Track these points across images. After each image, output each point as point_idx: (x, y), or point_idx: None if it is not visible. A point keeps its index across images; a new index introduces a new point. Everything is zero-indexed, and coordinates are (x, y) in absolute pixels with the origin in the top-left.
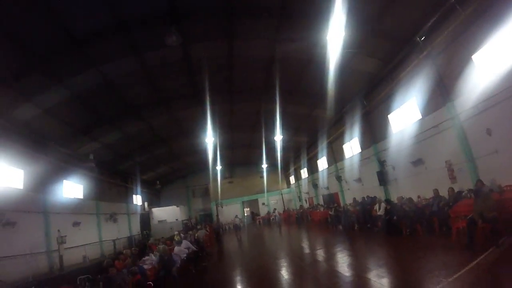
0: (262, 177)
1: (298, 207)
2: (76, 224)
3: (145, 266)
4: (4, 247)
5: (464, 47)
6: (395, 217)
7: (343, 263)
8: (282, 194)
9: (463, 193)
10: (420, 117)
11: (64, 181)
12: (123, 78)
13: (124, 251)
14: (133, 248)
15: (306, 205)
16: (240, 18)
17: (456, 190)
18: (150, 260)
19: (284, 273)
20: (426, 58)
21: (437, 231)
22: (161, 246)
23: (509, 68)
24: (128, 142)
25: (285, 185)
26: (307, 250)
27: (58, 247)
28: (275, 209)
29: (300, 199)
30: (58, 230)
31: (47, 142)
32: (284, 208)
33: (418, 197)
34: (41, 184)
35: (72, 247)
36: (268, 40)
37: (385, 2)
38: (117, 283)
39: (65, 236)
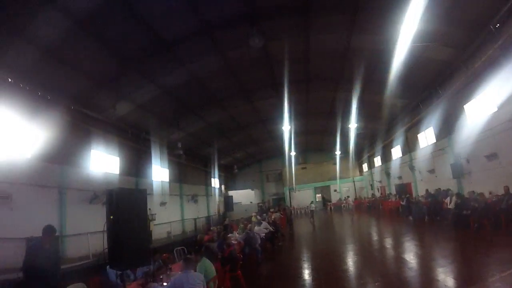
0: (335, 163)
1: (370, 196)
2: (162, 204)
3: (232, 241)
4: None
5: None
6: (464, 212)
7: (409, 252)
8: (354, 182)
9: None
10: (496, 109)
11: (153, 166)
12: (208, 73)
13: (212, 228)
14: (218, 227)
15: (378, 194)
16: (315, 15)
17: None
18: (234, 237)
19: (352, 256)
20: (503, 46)
21: (503, 228)
22: (248, 225)
23: None
24: (210, 130)
25: (358, 173)
26: (375, 238)
27: (148, 224)
28: (348, 196)
29: (372, 187)
30: (149, 209)
31: (139, 133)
32: (356, 196)
33: (490, 193)
34: (134, 169)
35: (159, 224)
36: (343, 34)
37: None
38: (213, 252)
39: (155, 214)
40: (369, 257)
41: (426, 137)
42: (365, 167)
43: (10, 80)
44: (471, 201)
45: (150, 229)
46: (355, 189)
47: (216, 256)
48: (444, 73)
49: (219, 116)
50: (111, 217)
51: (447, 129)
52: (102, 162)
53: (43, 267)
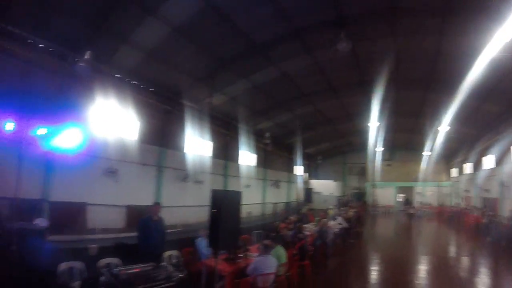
0: (422, 165)
1: (454, 204)
2: (247, 186)
3: (306, 233)
4: (193, 198)
5: None
6: None
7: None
8: (439, 186)
9: None
10: None
11: (241, 151)
12: (297, 71)
13: (290, 217)
14: (295, 216)
15: (462, 204)
16: (402, 18)
17: None
18: (309, 229)
19: (417, 269)
20: None
21: None
22: (322, 220)
23: None
24: (297, 121)
25: (445, 177)
26: (435, 247)
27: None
28: (429, 204)
29: (458, 196)
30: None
31: (230, 121)
32: (440, 202)
33: None
34: (224, 153)
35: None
36: (433, 36)
37: None
38: (287, 241)
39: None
40: (434, 273)
41: None
42: (453, 172)
43: (118, 75)
44: None
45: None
46: (439, 195)
47: (289, 245)
48: None
49: (306, 110)
50: (213, 210)
51: None
52: (197, 145)
53: (153, 236)
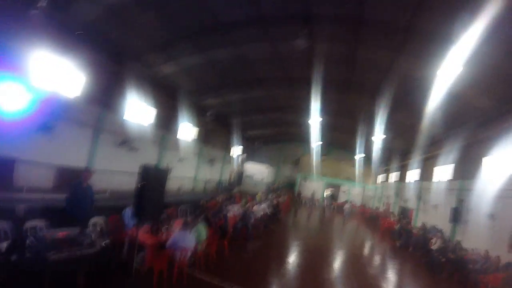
0: (353, 166)
1: (375, 207)
2: (180, 160)
3: (229, 214)
4: (125, 166)
5: None
6: (443, 259)
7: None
8: (364, 189)
9: None
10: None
11: (183, 123)
12: (254, 56)
13: (217, 198)
14: (222, 195)
15: (382, 209)
16: (366, 28)
17: (507, 261)
18: (233, 211)
19: (327, 254)
20: None
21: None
22: (246, 203)
23: None
24: (243, 104)
25: (372, 182)
26: (351, 243)
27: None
28: (351, 201)
29: (380, 200)
30: (167, 164)
31: (178, 91)
32: (362, 203)
33: (472, 249)
34: (164, 123)
35: (173, 178)
36: (390, 51)
37: None
38: (209, 219)
39: (172, 168)
40: (343, 265)
41: (441, 173)
42: (380, 178)
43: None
44: (453, 251)
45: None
46: (363, 196)
47: (211, 223)
48: (477, 119)
49: (255, 94)
50: (140, 184)
51: (461, 173)
52: (138, 112)
53: (82, 202)
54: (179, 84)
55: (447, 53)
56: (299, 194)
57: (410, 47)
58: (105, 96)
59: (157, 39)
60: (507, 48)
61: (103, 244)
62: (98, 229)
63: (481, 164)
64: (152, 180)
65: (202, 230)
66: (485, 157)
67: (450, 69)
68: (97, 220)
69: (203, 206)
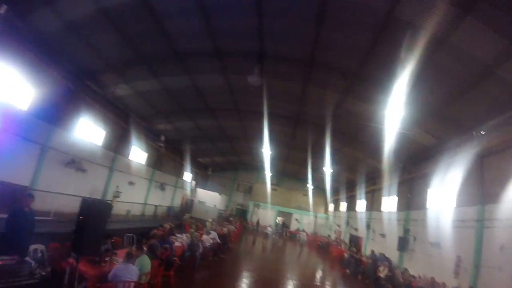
0: (305, 195)
1: (327, 235)
2: (131, 183)
3: (176, 243)
4: (72, 187)
5: None
6: (390, 286)
7: None
8: (316, 217)
9: None
10: (454, 205)
11: (134, 146)
12: (208, 86)
13: (165, 224)
14: (170, 223)
15: (333, 237)
16: (317, 69)
17: (452, 286)
18: (181, 240)
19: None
20: (478, 153)
21: None
22: (194, 232)
23: None
24: (196, 131)
25: (323, 211)
26: (302, 272)
27: (112, 199)
28: (303, 230)
29: (331, 229)
30: (117, 186)
31: (130, 115)
32: (314, 231)
33: (419, 276)
34: (115, 145)
35: (122, 202)
36: (337, 93)
37: (451, 94)
38: (154, 250)
39: (121, 192)
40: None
41: (388, 203)
42: (331, 207)
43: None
44: (400, 278)
45: (112, 205)
46: (315, 225)
47: (156, 255)
48: (422, 154)
49: (208, 123)
50: (81, 217)
51: (406, 204)
52: (89, 131)
53: (21, 228)
54: (132, 107)
55: (391, 96)
56: (251, 221)
57: (358, 90)
58: (55, 112)
59: (113, 61)
60: (441, 93)
61: (43, 273)
62: (38, 256)
63: (426, 196)
64: (93, 212)
65: (146, 261)
66: (429, 189)
67: (394, 110)
68: (37, 247)
69: (150, 235)
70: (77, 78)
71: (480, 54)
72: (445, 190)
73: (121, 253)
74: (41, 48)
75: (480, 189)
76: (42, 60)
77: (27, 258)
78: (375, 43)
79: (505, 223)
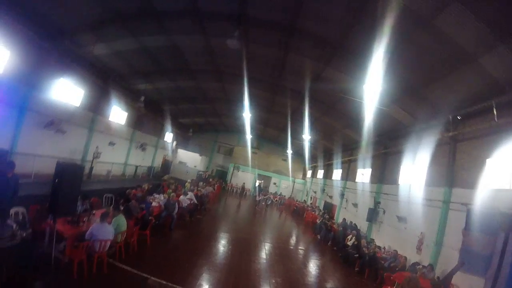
0: (284, 160)
1: (303, 200)
2: (111, 144)
3: (153, 203)
4: (52, 148)
5: (485, 147)
6: (356, 255)
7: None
8: (294, 183)
9: (418, 267)
10: (423, 184)
11: (113, 106)
12: (188, 47)
13: (143, 185)
14: (148, 184)
15: (309, 202)
16: (299, 38)
17: (414, 261)
18: (159, 200)
19: (249, 242)
20: (452, 137)
21: (377, 283)
22: (171, 193)
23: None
24: (177, 92)
25: (301, 176)
26: (275, 235)
27: (92, 160)
28: (281, 193)
29: (307, 194)
30: (97, 147)
31: (109, 75)
32: (291, 196)
33: (384, 248)
34: (94, 105)
35: (102, 162)
36: (317, 61)
37: (430, 76)
38: (133, 210)
39: (101, 152)
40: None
41: (363, 175)
42: (309, 173)
43: None
44: (365, 247)
45: (92, 165)
46: (292, 190)
47: (132, 214)
48: (397, 130)
49: (188, 84)
50: (56, 180)
51: (379, 177)
52: (66, 92)
53: (3, 192)
54: (110, 67)
55: (371, 70)
56: (231, 183)
57: (338, 61)
58: (32, 74)
59: (89, 19)
60: (421, 73)
61: (24, 235)
62: (19, 219)
63: (398, 172)
64: (68, 175)
65: (121, 221)
66: (402, 166)
67: (373, 84)
68: (18, 210)
69: (128, 196)
70: (54, 38)
71: (462, 41)
72: (417, 168)
73: (99, 213)
74: (15, 9)
75: (450, 172)
76: (17, 21)
77: (8, 221)
78: (356, 16)
79: (468, 208)
